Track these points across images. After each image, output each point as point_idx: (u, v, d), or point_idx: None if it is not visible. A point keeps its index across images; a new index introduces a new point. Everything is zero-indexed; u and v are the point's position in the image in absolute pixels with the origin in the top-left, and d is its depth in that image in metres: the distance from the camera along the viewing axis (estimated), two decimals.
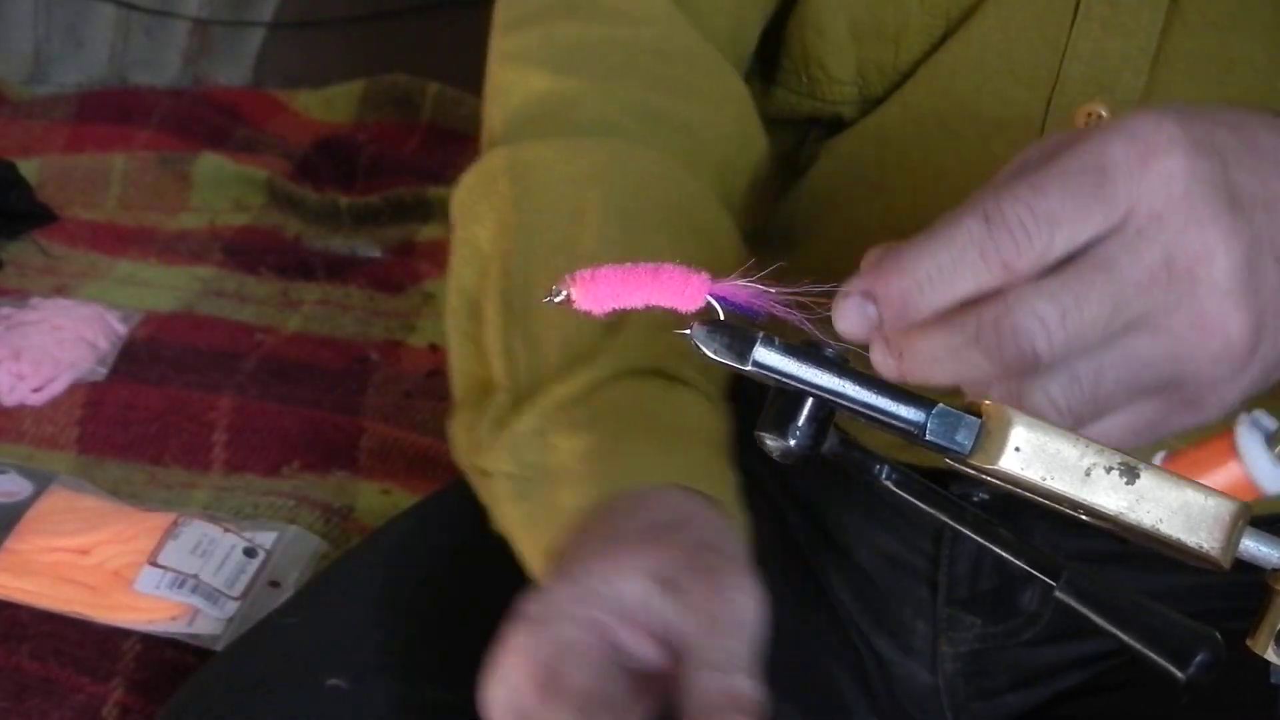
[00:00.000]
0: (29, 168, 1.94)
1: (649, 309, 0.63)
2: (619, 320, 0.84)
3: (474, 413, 0.88)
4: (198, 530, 1.24)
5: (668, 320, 0.83)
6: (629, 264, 0.62)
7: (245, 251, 1.84)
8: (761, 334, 0.61)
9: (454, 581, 0.94)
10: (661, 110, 0.94)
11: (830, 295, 0.67)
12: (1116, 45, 0.90)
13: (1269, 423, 0.69)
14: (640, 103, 0.94)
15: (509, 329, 0.87)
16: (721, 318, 0.62)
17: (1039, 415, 0.62)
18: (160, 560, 1.21)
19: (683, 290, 0.62)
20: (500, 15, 0.98)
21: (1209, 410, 0.66)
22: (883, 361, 0.64)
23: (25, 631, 1.17)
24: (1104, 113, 0.90)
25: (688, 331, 0.62)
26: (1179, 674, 0.57)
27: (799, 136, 1.02)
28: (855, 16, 0.95)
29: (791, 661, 0.95)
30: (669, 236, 0.89)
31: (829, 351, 0.62)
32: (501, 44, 0.97)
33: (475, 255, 0.91)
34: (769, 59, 1.01)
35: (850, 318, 0.63)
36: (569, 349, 0.85)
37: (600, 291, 0.62)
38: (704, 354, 0.62)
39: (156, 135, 2.09)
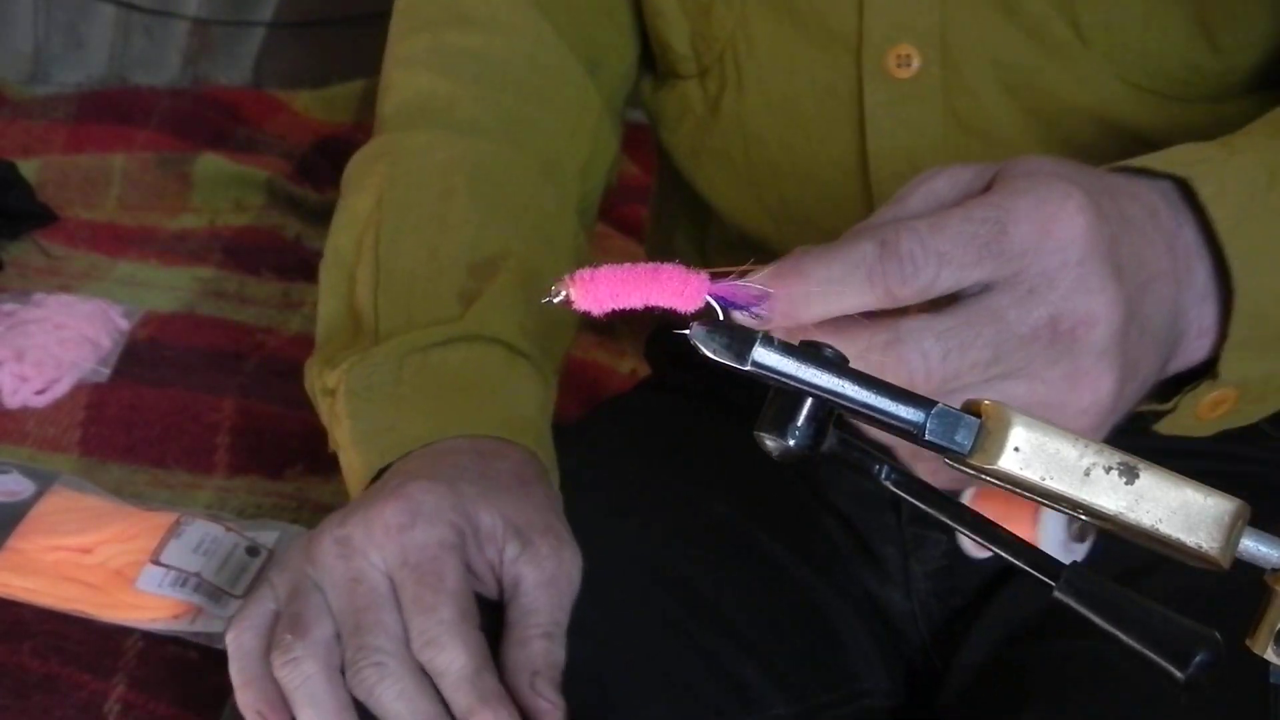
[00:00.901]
0: (29, 168, 1.94)
1: (648, 309, 0.63)
2: (478, 291, 0.96)
3: (332, 349, 0.98)
4: (200, 529, 1.24)
5: (517, 298, 0.97)
6: (628, 265, 0.62)
7: (245, 252, 1.84)
8: (760, 334, 0.61)
9: None
10: (525, 117, 1.08)
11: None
12: None
13: None
14: (508, 109, 1.08)
15: (378, 289, 0.97)
16: (720, 318, 0.62)
17: None
18: (162, 559, 1.21)
19: (681, 290, 0.62)
20: (396, 25, 1.14)
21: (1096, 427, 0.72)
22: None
23: (28, 630, 1.17)
24: (915, 57, 1.00)
25: (687, 332, 0.62)
26: (1178, 674, 0.57)
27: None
28: None
29: (801, 611, 1.00)
30: (512, 225, 1.02)
31: (828, 351, 0.62)
32: (396, 49, 1.12)
33: (354, 224, 1.02)
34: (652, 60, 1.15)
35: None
36: (429, 309, 0.96)
37: (599, 292, 0.62)
38: (703, 354, 0.62)
39: (156, 135, 2.09)
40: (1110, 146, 0.97)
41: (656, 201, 1.24)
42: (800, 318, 0.68)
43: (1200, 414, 0.80)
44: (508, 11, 1.10)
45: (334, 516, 0.84)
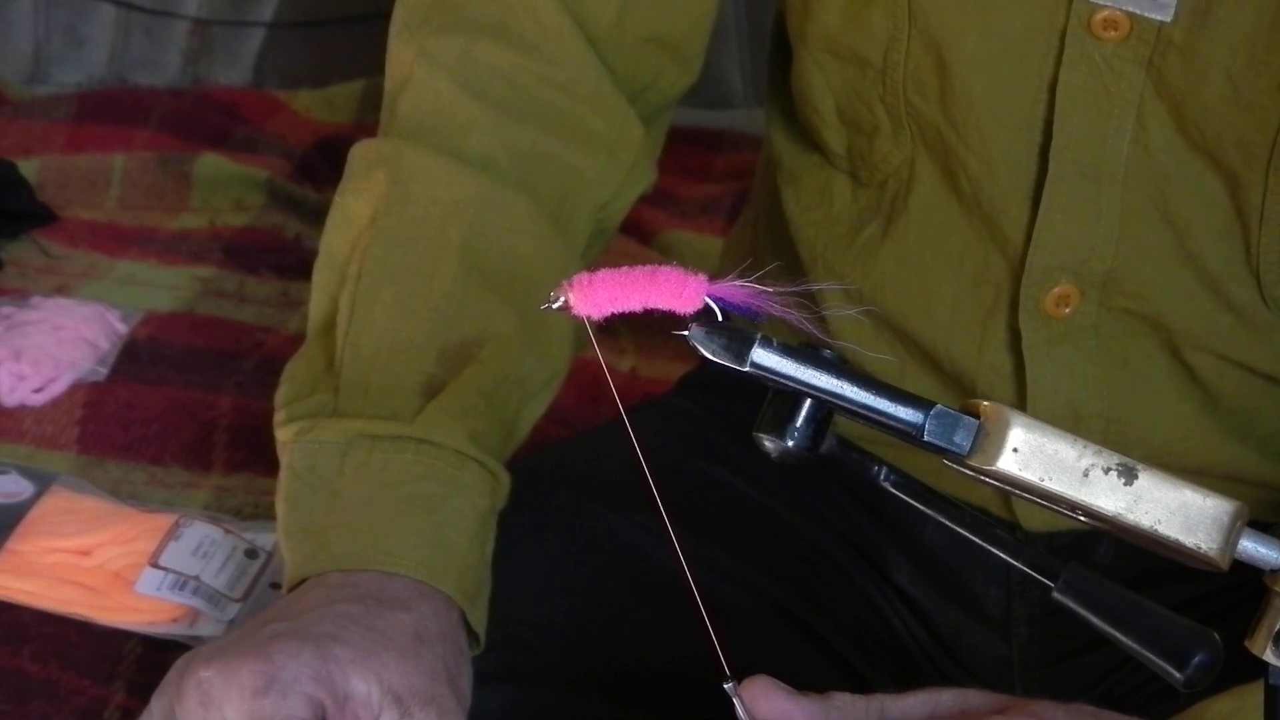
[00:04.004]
0: (29, 168, 1.93)
1: (647, 312, 0.63)
2: (441, 383, 0.93)
3: (306, 367, 0.96)
4: (199, 532, 1.24)
5: (479, 398, 0.93)
6: (626, 268, 0.62)
7: (245, 251, 1.83)
8: (759, 335, 0.61)
9: None
10: (548, 153, 1.01)
11: (827, 295, 0.69)
12: (1078, 233, 0.93)
13: None
14: (529, 143, 1.01)
15: (350, 333, 0.95)
16: (720, 319, 0.62)
17: None
18: (161, 562, 1.21)
19: (680, 292, 0.62)
20: (433, 10, 1.03)
21: None
22: None
23: (27, 633, 1.17)
24: (1073, 288, 0.93)
25: (686, 333, 0.62)
26: (1177, 674, 0.57)
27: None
28: (839, 104, 0.98)
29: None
30: (503, 307, 0.97)
31: (827, 352, 0.62)
32: (426, 42, 1.02)
33: (348, 224, 0.99)
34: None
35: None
36: (387, 401, 0.93)
37: (597, 296, 0.62)
38: (703, 355, 0.62)
39: (156, 135, 2.08)
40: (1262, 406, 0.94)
41: (752, 232, 1.14)
42: None
43: None
44: (553, 34, 1.01)
45: (208, 649, 0.83)
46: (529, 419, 0.99)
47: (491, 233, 0.98)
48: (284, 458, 0.93)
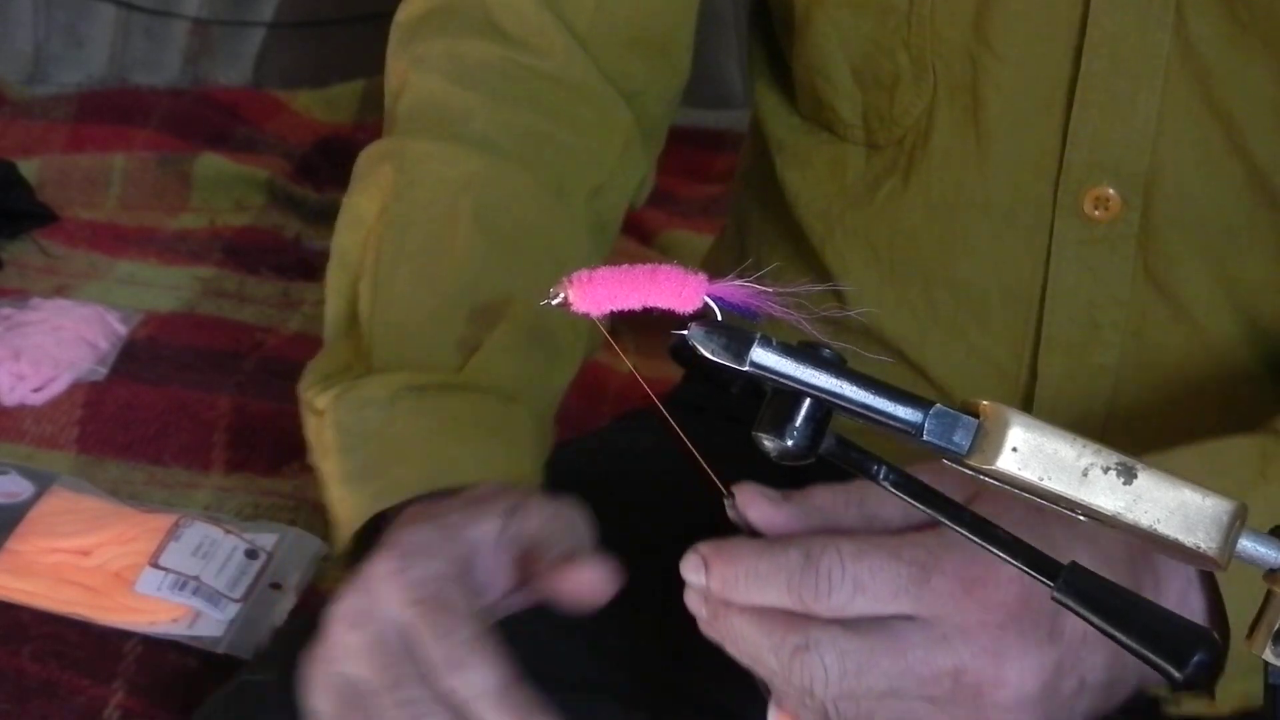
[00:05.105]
0: (29, 168, 1.93)
1: (646, 311, 0.63)
2: (477, 340, 0.94)
3: (333, 359, 0.97)
4: (199, 532, 1.24)
5: (517, 347, 0.94)
6: (626, 266, 0.62)
7: (245, 251, 1.84)
8: (759, 334, 0.61)
9: None
10: (545, 133, 1.03)
11: (828, 295, 0.70)
12: (1116, 128, 0.92)
13: None
14: (525, 125, 1.02)
15: (375, 313, 0.96)
16: (719, 318, 0.62)
17: (811, 715, 0.73)
18: (161, 562, 1.21)
19: (680, 291, 0.62)
20: (409, 8, 1.07)
21: None
22: (696, 610, 0.74)
23: (27, 633, 1.17)
24: (1113, 195, 0.93)
25: (685, 332, 0.62)
26: (1175, 674, 0.57)
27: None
28: (855, 64, 0.99)
29: None
30: (519, 257, 0.98)
31: (826, 352, 0.62)
32: (415, 47, 1.06)
33: (357, 222, 1.00)
34: (792, 95, 1.07)
35: (688, 569, 0.73)
36: (427, 357, 0.94)
37: (597, 293, 0.62)
38: (702, 355, 0.62)
39: (156, 135, 2.09)
40: None
41: (746, 221, 1.15)
42: (729, 597, 0.72)
43: (1209, 709, 0.80)
44: (536, 30, 1.04)
45: (332, 610, 0.83)
46: (563, 377, 1.00)
47: (501, 202, 1.00)
48: (325, 422, 0.92)
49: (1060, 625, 0.72)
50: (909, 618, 0.72)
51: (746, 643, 0.73)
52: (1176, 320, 0.95)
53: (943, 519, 0.63)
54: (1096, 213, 0.94)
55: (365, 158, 1.04)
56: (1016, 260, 0.96)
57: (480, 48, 1.04)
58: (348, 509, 0.90)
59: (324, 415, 0.93)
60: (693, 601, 0.74)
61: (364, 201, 1.01)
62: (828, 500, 0.75)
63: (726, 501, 0.73)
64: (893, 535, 0.73)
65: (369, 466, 0.90)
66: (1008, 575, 0.71)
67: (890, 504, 0.75)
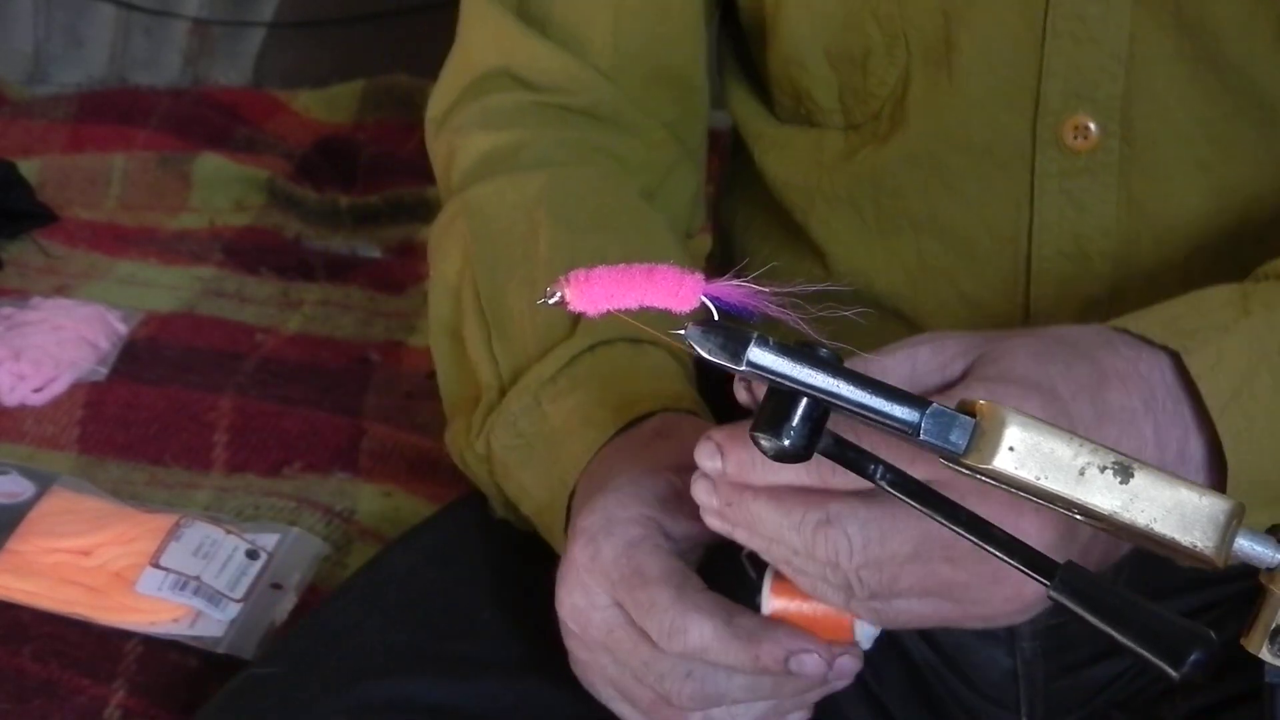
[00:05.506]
0: (29, 168, 1.93)
1: (643, 310, 0.63)
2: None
3: (466, 418, 0.98)
4: (200, 532, 1.24)
5: None
6: (623, 265, 0.62)
7: (245, 252, 1.84)
8: (756, 334, 0.61)
9: (448, 615, 0.97)
10: (595, 144, 1.05)
11: (825, 295, 0.70)
12: (1088, 55, 0.93)
13: None
14: (574, 141, 1.05)
15: (487, 340, 0.97)
16: (716, 318, 0.62)
17: (833, 591, 0.75)
18: (162, 562, 1.21)
19: (676, 291, 0.62)
20: (437, 103, 1.10)
21: (996, 623, 0.77)
22: (706, 501, 0.75)
23: (27, 633, 1.17)
24: (1091, 125, 0.93)
25: (682, 332, 0.62)
26: (1173, 673, 0.57)
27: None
28: (828, 45, 1.00)
29: None
30: (608, 234, 1.00)
31: (823, 351, 0.62)
32: (451, 119, 1.08)
33: (447, 289, 1.02)
34: (767, 97, 1.08)
35: (703, 456, 0.74)
36: (543, 339, 0.95)
37: (594, 292, 0.62)
38: (698, 354, 0.62)
39: (156, 135, 2.08)
40: None
41: (732, 220, 1.16)
42: (745, 479, 0.74)
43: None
44: (560, 73, 1.06)
45: (559, 612, 0.85)
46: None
47: (574, 198, 1.02)
48: (494, 459, 0.95)
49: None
50: (931, 482, 0.71)
51: (765, 524, 0.74)
52: (1165, 244, 0.95)
53: (940, 518, 0.63)
54: (1076, 142, 0.94)
55: (436, 228, 1.05)
56: (1002, 200, 0.97)
57: (511, 98, 1.06)
58: (547, 504, 0.93)
59: (494, 456, 0.95)
60: (701, 492, 0.76)
61: (445, 266, 1.02)
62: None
63: (738, 384, 0.72)
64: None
65: (545, 462, 0.92)
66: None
67: (894, 373, 0.75)
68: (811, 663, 0.78)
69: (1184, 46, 0.92)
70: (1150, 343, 0.78)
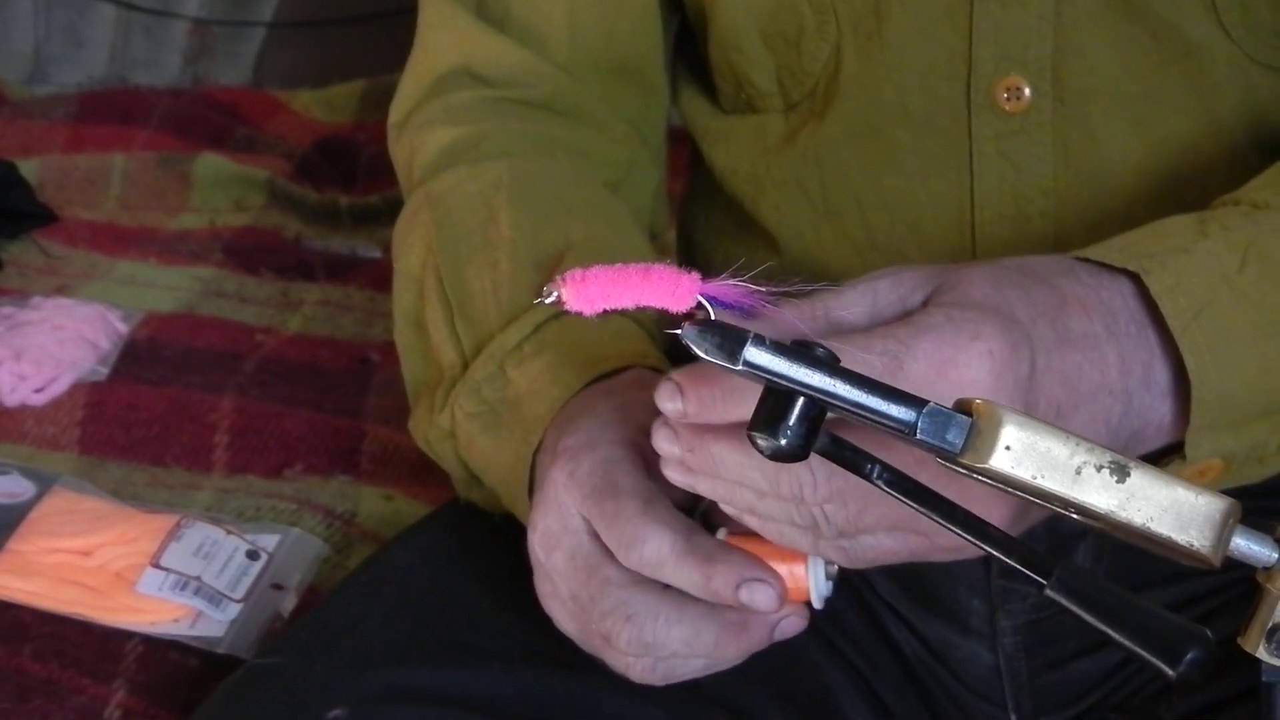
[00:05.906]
0: (29, 168, 1.93)
1: (640, 309, 0.63)
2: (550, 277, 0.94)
3: (429, 402, 0.98)
4: (200, 532, 1.24)
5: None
6: (620, 265, 0.62)
7: (245, 252, 1.84)
8: (752, 334, 0.61)
9: (447, 609, 0.96)
10: (555, 138, 1.06)
11: (771, 258, 0.71)
12: (1016, 17, 0.94)
13: None
14: (534, 134, 1.06)
15: (450, 320, 0.97)
16: (713, 317, 0.63)
17: (799, 533, 0.74)
18: (163, 562, 1.21)
19: (673, 290, 0.63)
20: (398, 108, 1.11)
21: (965, 554, 0.76)
22: (668, 450, 0.75)
23: (28, 633, 1.17)
24: (1024, 86, 0.95)
25: (679, 332, 0.62)
26: (1170, 672, 0.57)
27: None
28: (763, 26, 1.01)
29: (788, 672, 0.98)
30: (571, 219, 1.00)
31: (820, 351, 0.62)
32: (412, 118, 1.09)
33: (411, 280, 1.01)
34: (712, 91, 1.09)
35: (663, 397, 0.73)
36: (505, 313, 0.95)
37: (590, 292, 0.62)
38: (695, 354, 0.62)
39: (156, 135, 2.09)
40: (1236, 179, 0.91)
41: (691, 219, 1.18)
42: (709, 416, 0.72)
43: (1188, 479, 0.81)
44: (519, 67, 1.07)
45: (530, 540, 0.85)
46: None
47: (534, 185, 1.02)
48: (459, 429, 0.95)
49: (1034, 398, 0.73)
50: None
51: (728, 466, 0.73)
52: (1104, 200, 0.96)
53: (937, 517, 0.63)
54: (1010, 104, 0.95)
55: (400, 223, 1.06)
56: (942, 169, 0.97)
57: (472, 95, 1.07)
58: (510, 464, 0.92)
59: (458, 426, 0.95)
60: (662, 440, 0.75)
61: (409, 259, 1.03)
62: (792, 316, 0.74)
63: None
64: (861, 332, 0.73)
65: (509, 423, 0.92)
66: (979, 348, 0.71)
67: (854, 307, 0.75)
68: (764, 594, 0.78)
69: (1110, 1, 0.93)
70: (1110, 268, 0.79)
